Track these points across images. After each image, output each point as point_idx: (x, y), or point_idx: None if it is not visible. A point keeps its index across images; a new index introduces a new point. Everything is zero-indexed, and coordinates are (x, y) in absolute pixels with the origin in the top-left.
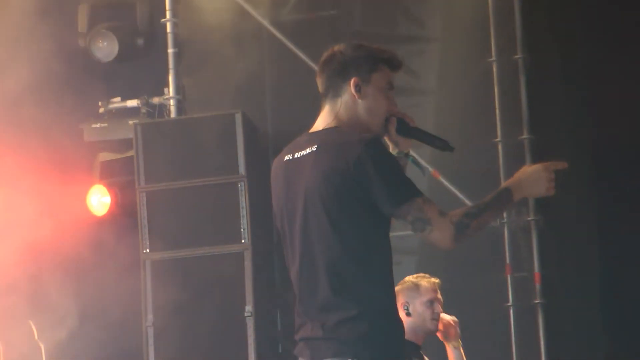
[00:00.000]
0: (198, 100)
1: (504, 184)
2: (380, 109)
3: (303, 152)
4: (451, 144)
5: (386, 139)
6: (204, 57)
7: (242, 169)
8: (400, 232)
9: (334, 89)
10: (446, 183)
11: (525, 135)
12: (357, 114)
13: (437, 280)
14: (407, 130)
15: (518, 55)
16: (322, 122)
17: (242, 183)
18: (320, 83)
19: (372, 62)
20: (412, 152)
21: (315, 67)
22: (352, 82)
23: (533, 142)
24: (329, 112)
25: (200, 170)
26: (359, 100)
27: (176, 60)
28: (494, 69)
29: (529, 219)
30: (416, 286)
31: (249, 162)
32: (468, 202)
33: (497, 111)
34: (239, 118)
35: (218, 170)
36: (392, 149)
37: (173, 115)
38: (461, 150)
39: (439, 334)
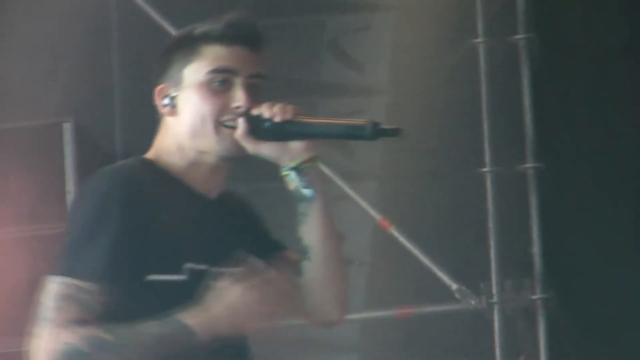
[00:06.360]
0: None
1: (184, 316)
2: (201, 121)
3: None
4: (381, 123)
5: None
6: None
7: None
8: None
9: None
10: (401, 238)
11: (529, 164)
12: (179, 142)
13: None
14: (272, 128)
15: (519, 35)
16: None
17: None
18: None
19: (183, 50)
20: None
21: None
22: (156, 94)
23: (542, 173)
24: None
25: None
26: (173, 120)
27: None
28: (480, 56)
29: (535, 297)
30: None
31: None
32: (441, 275)
33: (485, 122)
34: (69, 129)
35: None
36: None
37: None
38: (426, 188)
39: None
